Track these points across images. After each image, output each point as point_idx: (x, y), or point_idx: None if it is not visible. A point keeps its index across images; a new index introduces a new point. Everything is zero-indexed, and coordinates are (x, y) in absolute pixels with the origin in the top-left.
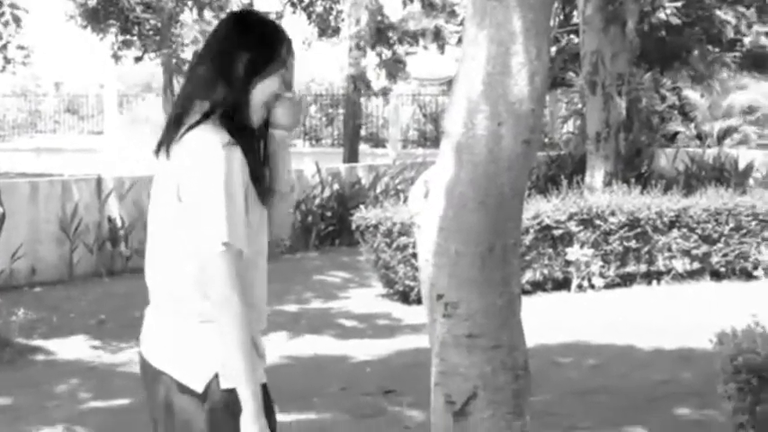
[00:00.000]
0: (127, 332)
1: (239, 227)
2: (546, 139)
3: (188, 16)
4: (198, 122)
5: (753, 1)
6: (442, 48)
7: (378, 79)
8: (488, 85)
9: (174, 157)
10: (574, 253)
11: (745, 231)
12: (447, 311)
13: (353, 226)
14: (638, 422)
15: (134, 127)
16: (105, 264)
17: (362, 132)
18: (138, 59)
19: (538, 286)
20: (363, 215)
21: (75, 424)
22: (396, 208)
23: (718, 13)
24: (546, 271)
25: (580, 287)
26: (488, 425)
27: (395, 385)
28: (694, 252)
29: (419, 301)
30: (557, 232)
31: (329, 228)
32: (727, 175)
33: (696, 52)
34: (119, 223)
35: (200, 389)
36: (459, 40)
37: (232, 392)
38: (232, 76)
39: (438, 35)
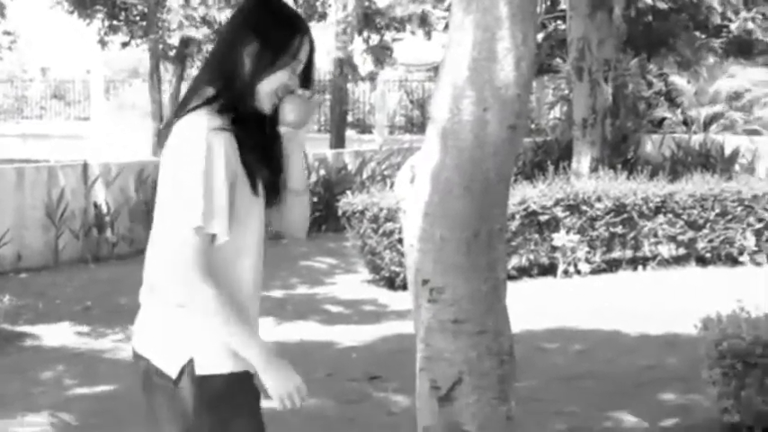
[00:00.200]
0: (113, 318)
1: (216, 212)
2: (532, 125)
3: (174, 1)
4: (196, 107)
5: None
6: (428, 34)
7: (364, 65)
8: (474, 71)
9: (168, 141)
10: (560, 239)
11: (730, 217)
12: (432, 297)
13: (340, 212)
14: (623, 407)
15: (121, 113)
16: (91, 250)
17: (349, 118)
18: (124, 45)
19: (524, 272)
20: (350, 201)
21: (60, 410)
22: (382, 194)
23: None
24: (532, 257)
25: (566, 273)
26: (473, 410)
27: (380, 371)
28: (680, 238)
29: (405, 287)
30: (543, 218)
31: (315, 213)
32: (713, 161)
33: (683, 38)
34: (105, 209)
35: (173, 374)
36: (446, 26)
37: (206, 379)
38: (239, 67)
39: (425, 21)
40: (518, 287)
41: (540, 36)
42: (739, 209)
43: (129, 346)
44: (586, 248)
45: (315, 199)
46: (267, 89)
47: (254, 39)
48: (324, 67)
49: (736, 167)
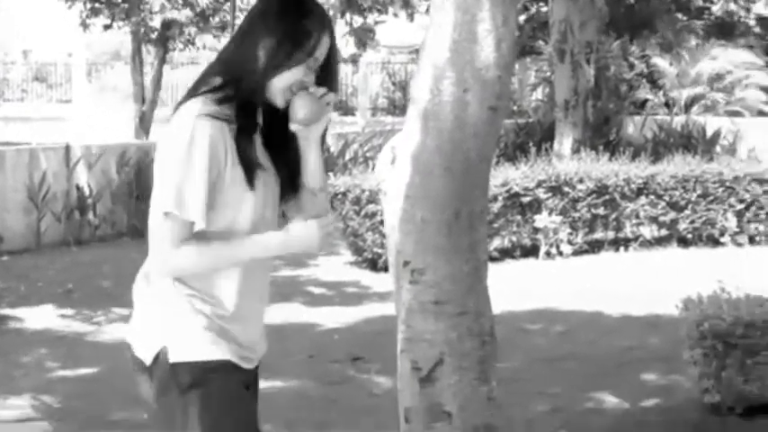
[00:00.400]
0: (95, 301)
1: (192, 199)
2: (514, 107)
3: None
4: (197, 94)
5: None
6: (411, 16)
7: (347, 47)
8: (455, 52)
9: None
10: (542, 220)
11: (712, 198)
12: (413, 278)
13: None
14: (605, 388)
15: (102, 95)
16: (73, 232)
17: None
18: (106, 27)
19: (506, 253)
20: (332, 183)
21: (42, 393)
22: (364, 176)
23: None
24: (514, 238)
25: (548, 254)
26: (454, 390)
27: (363, 352)
28: (662, 219)
29: (387, 269)
30: (525, 199)
31: None
32: (694, 143)
33: (664, 20)
34: (87, 192)
35: (147, 361)
36: (429, 8)
37: (178, 366)
38: (251, 61)
39: (407, 3)
40: (500, 268)
41: (522, 18)
42: (721, 190)
43: (111, 329)
44: (568, 230)
45: None
46: (280, 85)
47: (269, 33)
48: None
49: (718, 149)
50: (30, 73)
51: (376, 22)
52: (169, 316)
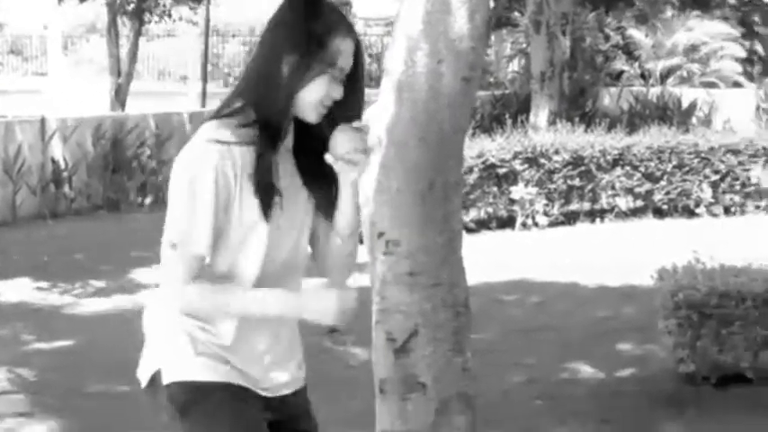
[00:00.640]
0: (71, 274)
1: (197, 231)
2: (491, 79)
3: None
4: (213, 117)
5: None
6: None
7: None
8: (428, 24)
9: None
10: (518, 191)
11: (687, 169)
12: (388, 249)
13: None
14: (580, 358)
15: (78, 68)
16: (49, 205)
17: None
18: (82, 0)
19: (482, 225)
20: None
21: (18, 366)
22: None
23: None
24: (490, 209)
25: (524, 225)
26: (429, 361)
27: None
28: (637, 190)
29: (362, 240)
30: (501, 171)
31: None
32: (670, 114)
33: None
34: (62, 165)
35: (143, 383)
36: None
37: (171, 387)
38: (273, 77)
39: None
40: (476, 240)
41: None
42: (696, 161)
43: (87, 302)
44: (544, 201)
45: None
46: (309, 99)
47: (288, 45)
48: None
49: (693, 120)
50: (5, 46)
51: None
52: (166, 340)
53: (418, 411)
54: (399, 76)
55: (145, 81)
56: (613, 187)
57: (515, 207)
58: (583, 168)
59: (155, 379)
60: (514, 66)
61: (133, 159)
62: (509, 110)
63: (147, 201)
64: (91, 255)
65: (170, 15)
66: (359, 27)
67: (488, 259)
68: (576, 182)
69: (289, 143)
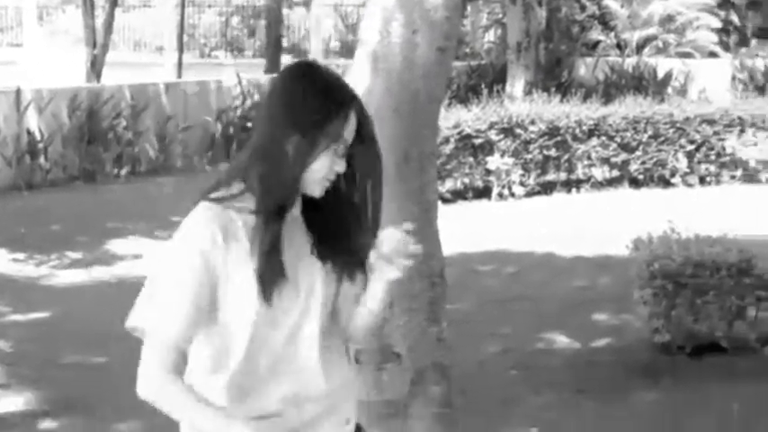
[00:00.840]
0: (47, 246)
1: (172, 321)
2: (467, 49)
3: None
4: (207, 197)
5: None
6: None
7: None
8: None
9: None
10: (494, 162)
11: (662, 139)
12: None
13: None
14: (556, 328)
15: (54, 39)
16: (24, 177)
17: (284, 43)
18: None
19: (458, 195)
20: None
21: None
22: None
23: None
24: (467, 180)
25: (501, 196)
26: (404, 332)
27: None
28: (613, 160)
29: None
30: (477, 141)
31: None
32: (645, 84)
33: None
34: (38, 136)
35: None
36: None
37: None
38: (276, 160)
39: None
40: (452, 210)
41: None
42: (671, 131)
43: (63, 273)
44: (520, 171)
45: (249, 124)
46: (314, 177)
47: (290, 124)
48: None
49: (669, 90)
50: None
51: None
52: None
53: (394, 381)
54: (374, 46)
55: (121, 52)
56: (589, 157)
57: (491, 177)
58: (559, 138)
59: None
60: (490, 36)
61: (109, 130)
62: (485, 80)
63: (123, 172)
64: (67, 226)
65: None
66: None
67: (464, 229)
68: (552, 152)
69: (296, 211)
